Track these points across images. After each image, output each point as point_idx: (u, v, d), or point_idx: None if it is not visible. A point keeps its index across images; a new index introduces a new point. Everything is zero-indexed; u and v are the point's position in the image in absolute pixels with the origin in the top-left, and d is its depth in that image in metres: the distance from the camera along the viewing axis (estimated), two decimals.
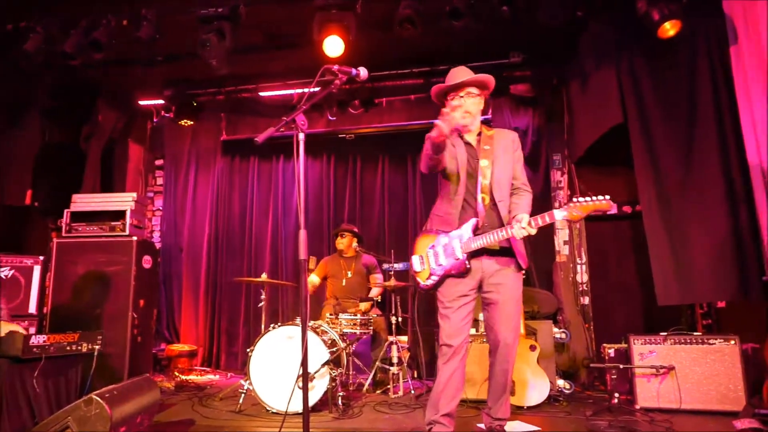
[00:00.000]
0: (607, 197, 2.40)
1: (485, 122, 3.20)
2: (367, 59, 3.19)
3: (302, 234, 1.81)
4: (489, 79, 2.81)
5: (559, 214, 2.48)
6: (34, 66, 4.71)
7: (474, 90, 2.81)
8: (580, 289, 5.26)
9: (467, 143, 2.85)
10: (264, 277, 4.30)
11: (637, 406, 3.68)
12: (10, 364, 2.55)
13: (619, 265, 5.31)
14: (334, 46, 4.04)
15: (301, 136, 1.98)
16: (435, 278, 2.79)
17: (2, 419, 2.45)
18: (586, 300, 5.23)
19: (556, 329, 4.32)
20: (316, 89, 2.19)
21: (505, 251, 2.75)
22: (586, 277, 5.27)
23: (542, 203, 5.51)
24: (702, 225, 3.96)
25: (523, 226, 2.53)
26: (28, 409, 2.59)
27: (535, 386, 3.77)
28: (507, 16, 4.03)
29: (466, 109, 2.78)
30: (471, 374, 3.97)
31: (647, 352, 3.76)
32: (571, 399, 4.03)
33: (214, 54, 4.09)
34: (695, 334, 3.75)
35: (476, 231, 2.70)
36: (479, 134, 2.87)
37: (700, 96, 4.02)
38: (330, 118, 5.78)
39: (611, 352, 4.10)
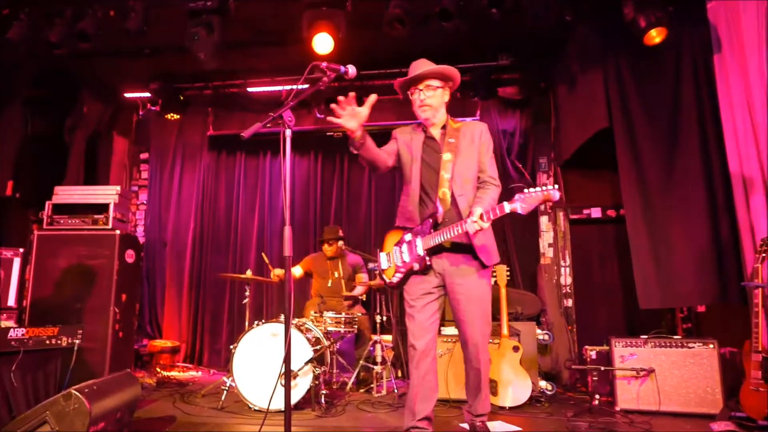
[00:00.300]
0: (555, 186, 2.37)
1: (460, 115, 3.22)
2: (356, 58, 3.18)
3: (287, 231, 1.80)
4: (450, 71, 2.76)
5: (508, 207, 2.39)
6: (17, 55, 4.63)
7: (434, 82, 2.75)
8: (564, 291, 5.31)
9: (430, 137, 2.81)
10: (249, 273, 4.28)
11: (617, 408, 3.72)
12: None
13: (603, 268, 5.37)
14: (323, 43, 4.03)
15: (288, 132, 1.97)
16: (399, 275, 2.76)
17: None
18: (570, 302, 5.28)
19: (539, 331, 4.36)
20: (305, 86, 2.18)
21: (462, 247, 2.67)
22: (569, 280, 5.33)
23: None
24: (684, 229, 4.03)
25: (474, 219, 2.44)
26: (5, 404, 2.55)
27: (518, 387, 3.80)
28: (496, 18, 4.05)
29: (425, 102, 2.74)
30: (458, 373, 4.00)
31: (628, 354, 3.80)
32: (553, 400, 4.07)
33: (202, 47, 4.06)
34: (675, 337, 3.80)
35: (435, 227, 2.67)
36: (444, 127, 2.82)
37: (683, 102, 4.08)
38: (318, 115, 5.76)
39: (593, 354, 4.15)
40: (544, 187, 2.36)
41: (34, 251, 4.21)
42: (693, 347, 3.67)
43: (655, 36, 3.88)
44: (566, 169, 5.37)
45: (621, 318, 5.17)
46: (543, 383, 4.13)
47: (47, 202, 4.32)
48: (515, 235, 5.55)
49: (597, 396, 3.78)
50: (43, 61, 4.93)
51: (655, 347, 3.74)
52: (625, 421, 3.47)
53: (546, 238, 5.49)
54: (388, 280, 2.82)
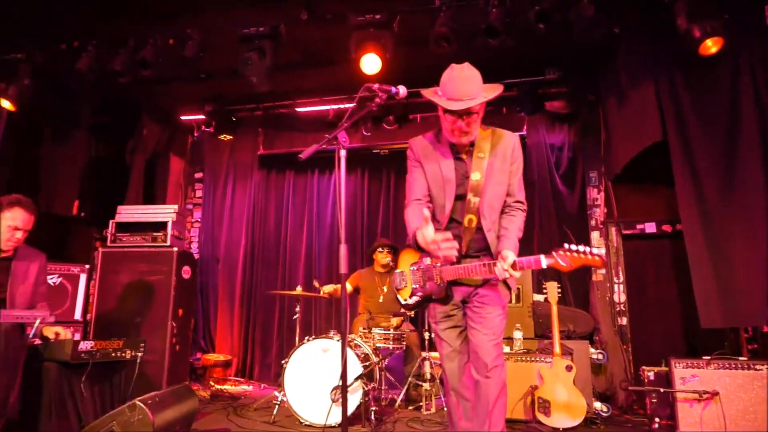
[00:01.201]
0: (602, 252, 2.08)
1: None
2: (402, 76, 3.25)
3: (343, 249, 1.85)
4: (497, 92, 2.36)
5: (545, 261, 2.16)
6: (84, 84, 4.95)
7: (481, 107, 2.33)
8: (618, 309, 5.14)
9: (458, 159, 2.44)
10: (299, 290, 4.37)
11: None
12: (59, 368, 2.65)
13: (658, 286, 5.17)
14: (371, 63, 4.11)
15: (343, 152, 2.02)
16: (416, 299, 2.49)
17: (51, 422, 2.55)
18: (624, 320, 5.11)
19: (592, 350, 4.23)
20: (357, 106, 2.24)
21: (487, 282, 2.41)
22: (623, 297, 5.16)
23: (579, 221, 5.47)
24: (746, 244, 3.85)
25: (505, 268, 2.19)
26: (75, 413, 2.69)
27: (571, 408, 3.69)
28: (542, 32, 4.04)
29: (465, 130, 2.32)
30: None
31: (689, 376, 3.64)
32: (609, 422, 3.93)
33: (255, 72, 4.22)
34: (741, 359, 3.61)
35: (458, 258, 2.35)
36: (472, 143, 2.43)
37: (743, 112, 3.93)
38: (365, 133, 5.86)
39: (651, 374, 3.98)
40: (592, 251, 2.09)
41: (98, 267, 4.45)
42: (761, 370, 3.47)
43: (711, 46, 3.76)
44: (617, 183, 5.23)
45: (679, 337, 4.95)
46: (598, 404, 3.99)
47: (111, 221, 4.56)
48: None
49: (657, 419, 3.64)
50: (107, 88, 5.24)
51: (719, 369, 3.56)
52: None
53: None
54: (403, 301, 2.57)
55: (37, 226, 3.18)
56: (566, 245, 2.13)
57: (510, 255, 2.21)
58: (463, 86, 2.27)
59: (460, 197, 2.40)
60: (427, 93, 2.39)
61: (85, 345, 2.71)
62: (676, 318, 4.97)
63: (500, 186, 2.40)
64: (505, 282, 2.41)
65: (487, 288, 2.39)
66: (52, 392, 2.61)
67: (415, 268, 2.50)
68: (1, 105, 4.68)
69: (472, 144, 2.41)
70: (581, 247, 2.07)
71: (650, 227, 5.13)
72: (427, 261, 2.46)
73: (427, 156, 2.47)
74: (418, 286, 2.46)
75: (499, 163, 2.39)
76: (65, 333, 2.91)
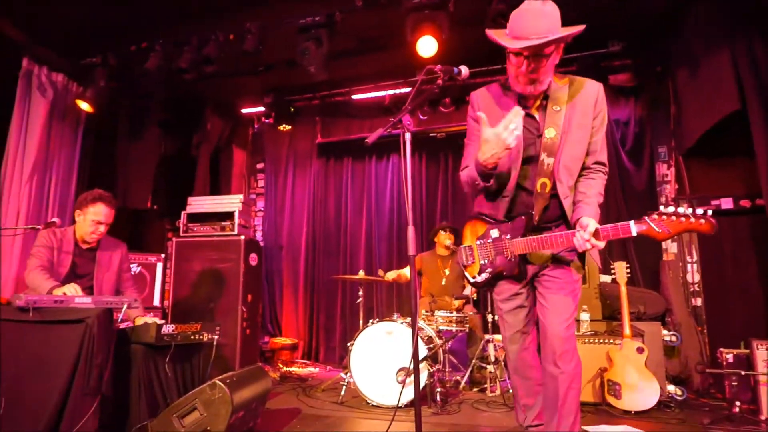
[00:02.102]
0: (710, 213, 1.75)
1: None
2: (458, 56, 3.21)
3: (411, 230, 1.87)
4: (571, 34, 1.96)
5: (635, 228, 1.86)
6: (153, 83, 5.21)
7: (548, 48, 1.99)
8: (692, 289, 4.91)
9: (529, 114, 2.15)
10: (361, 274, 4.45)
11: (763, 417, 3.39)
12: (144, 350, 2.84)
13: (737, 265, 4.87)
14: (427, 46, 4.09)
15: (408, 135, 2.03)
16: (486, 275, 2.28)
17: (140, 399, 2.74)
18: (699, 301, 4.88)
19: (665, 331, 4.07)
20: (418, 89, 2.23)
21: (558, 259, 2.20)
22: (697, 277, 4.91)
23: (647, 199, 5.24)
24: None
25: (586, 237, 1.93)
26: (160, 391, 2.87)
27: (644, 390, 3.58)
28: (606, 2, 3.87)
29: (535, 75, 2.03)
30: None
31: None
32: (684, 406, 3.79)
33: (312, 61, 4.29)
34: None
35: (530, 227, 2.15)
36: (546, 95, 2.13)
37: None
38: (421, 117, 5.84)
39: (729, 357, 3.81)
40: (696, 212, 1.78)
41: (172, 256, 4.70)
42: None
43: None
44: (689, 158, 4.97)
45: (761, 319, 4.66)
46: (672, 387, 3.85)
47: (183, 212, 4.79)
48: None
49: (737, 403, 3.47)
50: (174, 86, 5.49)
51: None
52: None
53: None
54: (471, 279, 2.36)
55: (115, 220, 3.41)
56: (662, 208, 1.84)
57: (591, 222, 1.94)
58: (533, 22, 1.94)
59: (531, 159, 2.12)
60: (492, 33, 2.06)
61: (168, 328, 2.89)
62: (756, 298, 4.69)
63: (579, 145, 2.09)
64: (581, 257, 2.18)
65: (557, 265, 2.18)
66: (140, 372, 2.80)
67: (482, 242, 2.29)
68: (79, 107, 5.00)
69: (546, 96, 2.12)
70: (682, 209, 1.75)
71: (726, 203, 4.84)
72: (495, 233, 2.24)
73: (490, 111, 2.14)
74: (486, 261, 2.26)
75: (579, 117, 2.08)
76: (149, 320, 3.11)
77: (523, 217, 2.15)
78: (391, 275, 4.72)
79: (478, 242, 2.33)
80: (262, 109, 6.34)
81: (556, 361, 2.10)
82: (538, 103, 2.15)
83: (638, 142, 5.36)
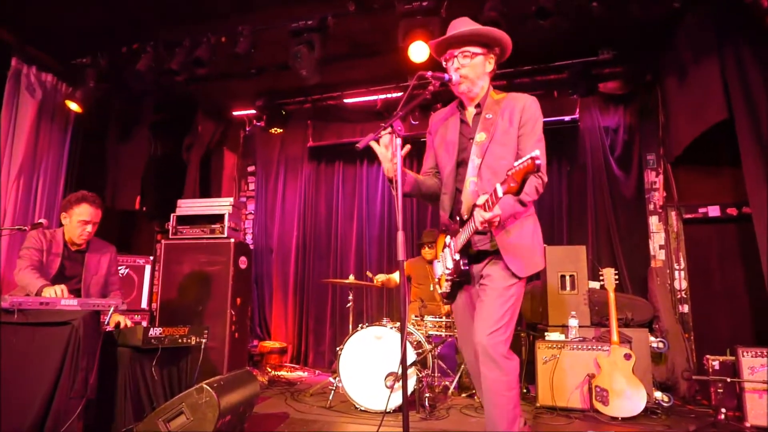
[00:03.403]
0: (534, 153, 1.72)
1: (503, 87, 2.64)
2: None
3: (400, 235, 1.86)
4: (494, 33, 2.21)
5: (499, 189, 1.84)
6: (144, 84, 5.17)
7: (473, 48, 2.22)
8: (679, 296, 4.96)
9: (463, 120, 2.33)
10: (351, 278, 4.44)
11: (747, 424, 3.42)
12: (131, 353, 2.82)
13: (723, 272, 4.94)
14: (419, 51, 4.10)
15: (398, 141, 2.03)
16: (447, 285, 2.34)
17: (126, 402, 2.71)
18: (686, 308, 4.92)
19: (652, 338, 4.11)
20: (409, 95, 2.24)
21: (487, 254, 2.22)
22: (685, 284, 4.97)
23: (636, 206, 5.29)
24: None
25: (479, 204, 1.95)
26: (147, 394, 2.85)
27: (631, 397, 3.60)
28: (596, 12, 3.91)
29: (459, 72, 2.22)
30: (560, 381, 3.89)
31: (758, 365, 3.48)
32: (671, 412, 3.82)
33: (304, 65, 4.29)
34: None
35: (461, 225, 2.20)
36: (479, 104, 2.29)
37: None
38: (413, 122, 5.85)
39: (715, 364, 3.83)
40: (525, 157, 1.76)
41: (161, 259, 4.67)
42: None
43: None
44: (677, 166, 5.04)
45: (747, 326, 4.72)
46: (658, 394, 3.88)
47: (172, 214, 4.76)
48: (621, 237, 5.28)
49: (723, 410, 3.50)
50: (164, 88, 5.46)
51: None
52: None
53: (656, 239, 5.16)
54: (440, 290, 2.42)
55: (103, 221, 3.38)
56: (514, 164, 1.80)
57: (482, 196, 1.96)
58: (458, 25, 2.27)
59: (464, 162, 2.25)
60: (432, 43, 2.34)
61: (155, 331, 2.86)
62: (743, 306, 4.75)
63: (505, 147, 2.18)
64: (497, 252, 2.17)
65: (492, 264, 2.20)
66: (126, 375, 2.78)
67: (443, 252, 2.34)
68: (69, 107, 4.96)
69: (479, 105, 2.29)
70: (516, 162, 1.77)
71: (714, 211, 4.90)
72: (448, 239, 2.29)
73: (437, 123, 2.45)
74: (449, 270, 2.28)
75: (505, 123, 2.20)
76: (125, 321, 3.08)
77: (457, 217, 2.23)
78: (380, 278, 4.72)
79: (441, 253, 2.39)
80: (253, 111, 6.31)
81: (480, 367, 2.13)
82: (474, 111, 2.31)
83: (627, 149, 5.41)
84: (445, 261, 2.32)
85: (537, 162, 1.70)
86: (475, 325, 2.16)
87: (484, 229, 2.02)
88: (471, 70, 2.23)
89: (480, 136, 2.20)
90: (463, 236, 2.15)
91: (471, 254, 2.24)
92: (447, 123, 2.39)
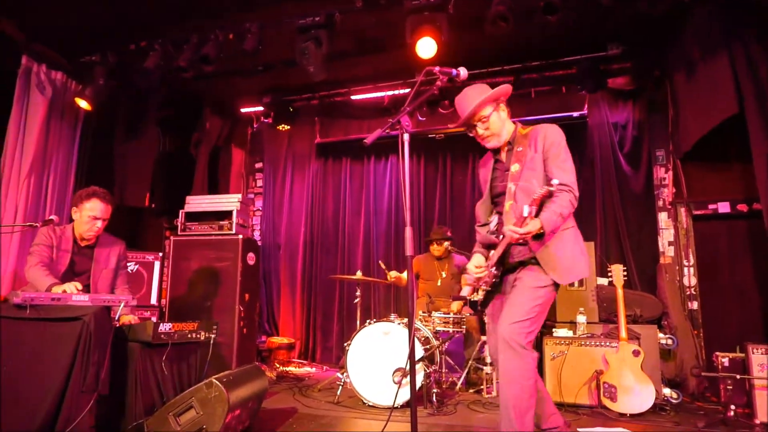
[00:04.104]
0: (554, 182, 2.23)
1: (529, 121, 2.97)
2: (458, 58, 3.21)
3: (408, 231, 1.87)
4: (489, 95, 2.54)
5: (525, 209, 2.24)
6: (152, 81, 5.20)
7: (483, 111, 2.57)
8: (688, 293, 4.93)
9: (498, 160, 2.69)
10: (359, 274, 4.45)
11: (757, 421, 3.40)
12: (141, 348, 2.84)
13: (733, 268, 4.90)
14: (426, 47, 4.09)
15: (406, 136, 2.04)
16: (482, 293, 2.65)
17: (136, 397, 2.74)
18: (695, 305, 4.89)
19: (661, 335, 4.09)
20: (417, 90, 2.25)
21: (527, 264, 2.48)
22: (694, 281, 4.94)
23: (644, 202, 5.26)
24: None
25: (509, 227, 2.30)
26: (157, 389, 2.87)
27: (640, 393, 3.59)
28: (605, 6, 3.88)
29: (485, 136, 2.61)
30: (568, 378, 3.88)
31: None
32: (680, 409, 3.80)
33: (312, 61, 4.29)
34: None
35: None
36: (510, 141, 2.64)
37: None
38: (420, 118, 5.84)
39: (725, 361, 3.82)
40: (541, 189, 2.23)
41: (170, 255, 4.70)
42: None
43: None
44: (687, 162, 4.99)
45: (757, 322, 4.68)
46: (667, 390, 3.86)
47: (180, 211, 4.79)
48: (630, 233, 5.25)
49: (732, 407, 3.49)
50: (172, 84, 5.49)
51: None
52: None
53: (665, 235, 5.13)
54: (476, 298, 2.71)
55: (113, 218, 3.40)
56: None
57: (525, 207, 2.27)
58: (462, 104, 2.62)
59: (502, 193, 2.58)
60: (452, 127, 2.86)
61: (164, 327, 2.89)
62: (752, 302, 4.71)
63: (534, 171, 2.48)
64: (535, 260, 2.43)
65: (524, 271, 2.47)
66: (137, 370, 2.80)
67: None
68: (78, 105, 4.99)
69: (510, 143, 2.63)
70: (538, 190, 2.22)
71: (724, 207, 4.86)
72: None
73: (481, 170, 2.82)
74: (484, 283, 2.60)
75: (532, 152, 2.52)
76: (132, 319, 3.11)
77: (500, 237, 2.52)
78: (393, 274, 4.75)
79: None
80: (261, 108, 6.34)
81: (498, 355, 2.39)
82: (506, 148, 2.65)
83: (636, 145, 5.38)
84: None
85: (551, 189, 2.17)
86: (500, 317, 2.41)
87: (517, 240, 2.33)
88: (492, 128, 2.59)
89: (514, 167, 2.52)
90: (498, 249, 2.48)
91: (507, 266, 2.53)
92: (486, 167, 2.76)
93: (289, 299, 6.44)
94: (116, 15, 4.49)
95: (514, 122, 2.69)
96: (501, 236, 2.50)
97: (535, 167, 2.49)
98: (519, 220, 2.25)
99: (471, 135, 2.69)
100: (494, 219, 2.64)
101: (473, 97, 2.58)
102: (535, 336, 2.36)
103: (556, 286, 2.42)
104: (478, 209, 2.77)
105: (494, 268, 2.52)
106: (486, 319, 2.71)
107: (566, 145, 2.53)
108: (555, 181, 2.17)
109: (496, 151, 2.69)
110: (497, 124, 2.60)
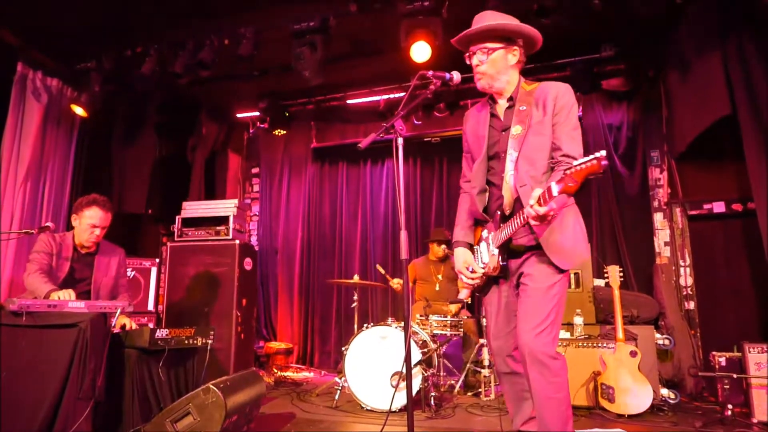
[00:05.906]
0: (600, 153, 1.67)
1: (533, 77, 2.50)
2: (452, 62, 3.22)
3: (403, 234, 1.88)
4: (511, 27, 2.18)
5: (554, 188, 1.79)
6: (148, 86, 5.20)
7: (491, 44, 2.20)
8: (684, 293, 4.94)
9: (494, 114, 2.30)
10: (356, 278, 4.45)
11: (754, 420, 3.41)
12: (138, 354, 2.84)
13: (729, 268, 4.91)
14: (421, 51, 4.11)
15: (400, 140, 2.04)
16: (478, 279, 2.33)
17: (133, 403, 2.74)
18: (691, 305, 4.91)
19: (658, 335, 4.09)
20: (410, 94, 2.25)
21: (526, 249, 2.19)
22: (690, 281, 4.95)
23: (640, 203, 5.27)
24: None
25: (531, 203, 1.89)
26: (154, 395, 2.87)
27: (637, 394, 3.60)
28: (598, 8, 3.90)
29: (477, 70, 2.23)
30: (572, 377, 3.87)
31: (765, 361, 3.47)
32: (677, 409, 3.81)
33: (307, 66, 4.30)
34: None
35: (504, 220, 2.18)
36: (511, 97, 2.26)
37: None
38: (416, 122, 5.86)
39: (722, 360, 3.83)
40: (586, 158, 1.71)
41: (167, 261, 4.70)
42: None
43: None
44: (682, 162, 5.01)
45: (754, 322, 4.69)
46: (665, 391, 3.87)
47: (177, 217, 4.79)
48: (626, 234, 5.27)
49: (729, 406, 3.49)
50: (168, 90, 5.49)
51: None
52: None
53: (661, 236, 5.14)
54: (471, 282, 2.40)
55: (111, 224, 3.40)
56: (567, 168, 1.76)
57: (537, 190, 1.89)
58: (480, 20, 2.23)
59: (496, 156, 2.24)
60: (453, 40, 2.32)
61: (161, 333, 2.89)
62: (749, 301, 4.72)
63: (541, 137, 2.14)
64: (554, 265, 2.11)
65: (531, 264, 2.17)
66: (133, 376, 2.80)
67: (478, 247, 2.35)
68: (74, 112, 4.99)
69: (511, 98, 2.27)
70: (578, 160, 1.72)
71: (719, 207, 4.88)
72: (485, 233, 2.29)
73: (468, 120, 2.43)
74: (481, 263, 2.30)
75: (539, 113, 2.16)
76: (130, 323, 3.11)
77: (498, 212, 2.22)
78: (396, 282, 4.79)
79: (476, 247, 2.38)
80: (257, 113, 6.34)
81: (527, 368, 2.09)
82: (506, 105, 2.28)
83: (631, 146, 5.40)
84: (481, 255, 2.32)
85: (603, 163, 1.64)
86: (518, 327, 2.13)
87: (535, 221, 1.95)
88: (490, 66, 2.22)
89: (516, 129, 2.16)
90: (505, 231, 2.14)
91: (510, 249, 2.21)
92: (478, 118, 2.36)
93: (287, 304, 6.44)
94: (112, 21, 4.50)
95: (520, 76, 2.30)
96: (502, 213, 2.19)
97: (543, 132, 2.14)
98: (541, 197, 1.86)
99: (467, 62, 2.29)
100: (476, 187, 2.31)
101: (490, 19, 2.21)
102: (558, 337, 2.16)
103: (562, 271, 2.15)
104: (475, 170, 2.31)
105: (500, 258, 2.19)
106: (484, 308, 2.41)
107: (577, 109, 2.20)
108: (603, 152, 1.67)
109: (492, 102, 2.33)
110: (498, 65, 2.22)
